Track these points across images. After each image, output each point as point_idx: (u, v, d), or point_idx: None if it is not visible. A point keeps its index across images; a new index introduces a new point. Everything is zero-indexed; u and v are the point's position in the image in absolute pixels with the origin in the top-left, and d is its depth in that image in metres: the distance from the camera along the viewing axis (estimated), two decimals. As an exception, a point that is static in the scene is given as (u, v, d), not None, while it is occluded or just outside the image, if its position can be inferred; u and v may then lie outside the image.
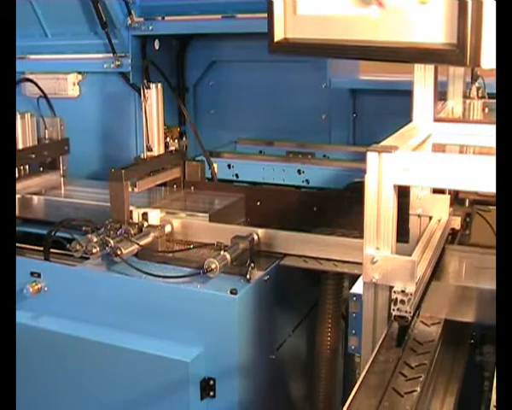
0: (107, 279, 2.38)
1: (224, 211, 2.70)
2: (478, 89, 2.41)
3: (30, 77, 3.40)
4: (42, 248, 2.61)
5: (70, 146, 3.25)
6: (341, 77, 3.25)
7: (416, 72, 1.94)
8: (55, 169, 3.26)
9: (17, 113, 2.96)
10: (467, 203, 2.38)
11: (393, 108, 2.57)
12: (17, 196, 2.93)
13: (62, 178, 3.27)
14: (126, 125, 3.52)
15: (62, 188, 3.21)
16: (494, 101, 2.43)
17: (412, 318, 1.62)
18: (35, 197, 3.01)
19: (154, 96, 2.75)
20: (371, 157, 1.56)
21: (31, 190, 3.06)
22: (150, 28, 3.24)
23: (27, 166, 3.15)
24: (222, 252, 2.26)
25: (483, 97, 2.42)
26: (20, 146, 3.01)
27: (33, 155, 3.09)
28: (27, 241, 2.78)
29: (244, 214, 2.80)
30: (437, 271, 1.89)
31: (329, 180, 2.95)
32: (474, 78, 2.44)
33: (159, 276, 2.28)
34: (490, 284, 1.74)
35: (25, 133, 3.04)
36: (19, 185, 3.00)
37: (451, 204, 2.09)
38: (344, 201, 2.65)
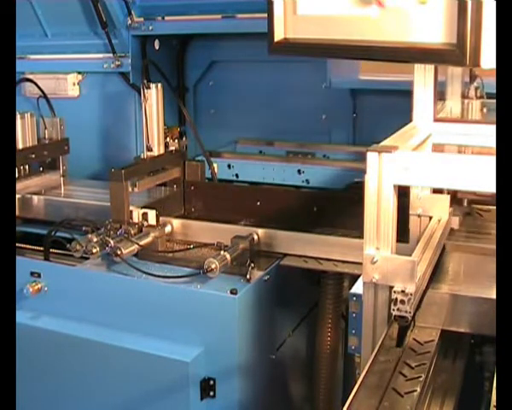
0: (107, 279, 2.38)
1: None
2: (476, 89, 2.42)
3: (30, 77, 3.39)
4: (42, 248, 2.61)
5: (70, 146, 3.25)
6: (341, 77, 3.25)
7: (416, 72, 1.94)
8: (55, 169, 3.26)
9: (17, 113, 2.96)
10: (465, 203, 2.37)
11: (393, 108, 2.57)
12: (17, 196, 2.93)
13: (62, 178, 3.27)
14: (126, 125, 3.52)
15: (62, 188, 3.21)
16: (493, 101, 2.46)
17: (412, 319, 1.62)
18: (35, 197, 3.01)
19: (154, 96, 2.75)
20: (371, 157, 1.56)
21: (31, 190, 3.06)
22: (150, 28, 3.24)
23: (27, 166, 3.15)
24: (222, 252, 2.26)
25: (481, 97, 2.43)
26: (20, 146, 3.02)
27: (33, 155, 3.09)
28: (27, 241, 2.78)
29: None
30: (436, 271, 1.89)
31: (329, 180, 2.95)
32: (473, 78, 2.44)
33: (159, 276, 2.29)
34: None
35: (25, 133, 3.04)
36: (19, 185, 3.00)
37: (450, 204, 2.09)
38: (344, 201, 2.65)
